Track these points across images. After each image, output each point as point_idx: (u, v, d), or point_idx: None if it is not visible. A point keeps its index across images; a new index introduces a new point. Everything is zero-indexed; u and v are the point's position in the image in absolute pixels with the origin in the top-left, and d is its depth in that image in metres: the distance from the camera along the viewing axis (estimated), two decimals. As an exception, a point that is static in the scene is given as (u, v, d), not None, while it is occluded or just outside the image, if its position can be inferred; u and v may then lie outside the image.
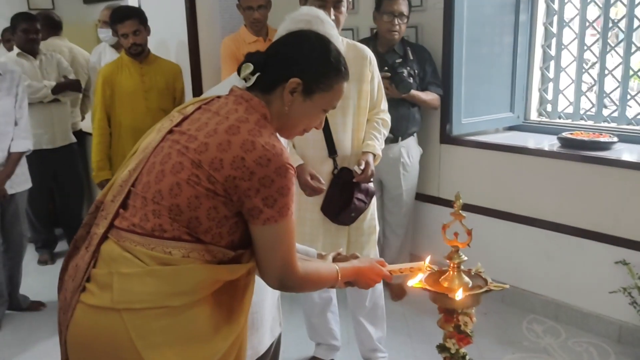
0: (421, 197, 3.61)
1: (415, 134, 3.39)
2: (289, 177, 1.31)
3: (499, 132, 3.60)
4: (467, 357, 1.63)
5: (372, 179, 2.57)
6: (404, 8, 3.15)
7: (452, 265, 1.61)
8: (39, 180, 3.67)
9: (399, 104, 3.17)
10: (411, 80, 3.13)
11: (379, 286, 2.76)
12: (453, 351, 1.61)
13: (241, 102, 1.37)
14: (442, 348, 1.63)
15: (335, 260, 1.69)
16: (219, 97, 1.44)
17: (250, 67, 1.40)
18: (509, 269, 3.33)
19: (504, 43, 3.42)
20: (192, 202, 1.29)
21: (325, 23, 1.79)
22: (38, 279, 3.90)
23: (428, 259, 1.69)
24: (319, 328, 2.85)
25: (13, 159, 3.13)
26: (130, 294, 1.27)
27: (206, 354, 1.33)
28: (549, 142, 3.25)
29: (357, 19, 3.69)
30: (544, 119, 3.60)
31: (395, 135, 3.23)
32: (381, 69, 2.86)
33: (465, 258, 1.61)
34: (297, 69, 1.38)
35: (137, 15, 3.38)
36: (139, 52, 3.41)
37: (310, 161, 2.49)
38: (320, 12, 1.89)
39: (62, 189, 4.28)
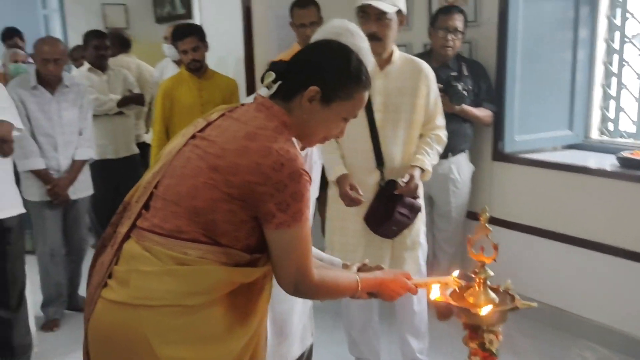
0: (472, 215, 3.52)
1: (466, 151, 3.34)
2: (302, 183, 1.33)
3: (557, 151, 3.48)
4: (493, 377, 1.58)
5: (417, 194, 2.55)
6: (458, 24, 3.13)
7: (478, 280, 1.57)
8: (103, 188, 3.85)
9: (451, 119, 3.10)
10: (465, 94, 3.10)
11: (424, 301, 2.72)
12: (478, 370, 1.56)
13: (262, 110, 1.41)
14: (467, 366, 1.59)
15: (359, 271, 1.69)
16: (243, 104, 1.48)
17: (272, 76, 1.44)
18: (561, 292, 3.20)
19: (562, 59, 3.32)
20: (209, 205, 1.33)
21: (355, 35, 1.80)
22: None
23: (456, 272, 1.66)
24: (360, 343, 2.84)
25: (76, 166, 3.31)
26: (148, 291, 1.32)
27: (219, 353, 1.36)
28: (609, 162, 3.11)
29: (411, 35, 3.69)
30: (605, 137, 3.46)
31: (445, 151, 3.18)
32: None
33: (492, 273, 1.56)
34: (316, 77, 1.40)
35: (197, 33, 3.52)
36: (198, 68, 3.55)
37: (358, 171, 2.51)
38: (351, 25, 1.90)
39: (124, 197, 4.46)
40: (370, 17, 2.39)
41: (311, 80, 1.40)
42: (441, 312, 3.46)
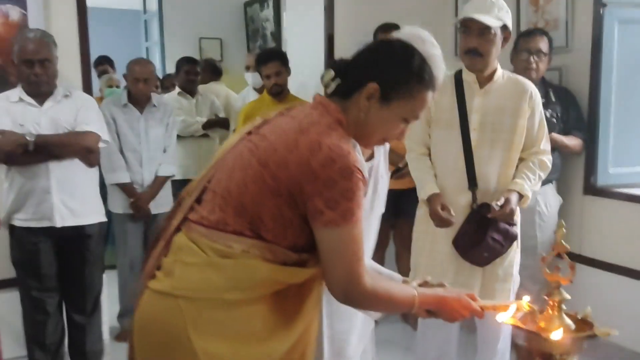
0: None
1: (554, 182, 3.12)
2: (354, 181, 1.26)
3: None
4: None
5: (513, 221, 2.40)
6: (542, 45, 2.98)
7: (551, 303, 1.42)
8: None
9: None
10: (554, 121, 2.92)
11: (509, 340, 2.53)
12: (550, 404, 1.40)
13: (317, 107, 1.37)
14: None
15: (420, 286, 1.58)
16: (302, 104, 1.46)
17: (331, 74, 1.40)
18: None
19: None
20: (256, 200, 1.29)
21: (427, 42, 1.72)
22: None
23: (528, 298, 1.52)
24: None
25: (159, 181, 3.43)
26: (189, 282, 1.29)
27: (258, 354, 1.30)
28: None
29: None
30: None
31: (532, 181, 3.01)
32: None
33: (568, 297, 1.41)
34: (375, 74, 1.35)
35: (280, 58, 3.60)
36: (279, 92, 3.60)
37: (449, 191, 2.41)
38: (423, 32, 1.82)
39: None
40: (473, 32, 2.29)
41: (370, 78, 1.34)
42: (521, 355, 3.22)
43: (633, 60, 3.02)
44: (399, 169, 3.23)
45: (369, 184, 1.79)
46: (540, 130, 2.44)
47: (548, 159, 2.46)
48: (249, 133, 1.42)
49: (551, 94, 3.04)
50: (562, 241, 1.42)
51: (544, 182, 3.04)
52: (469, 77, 2.42)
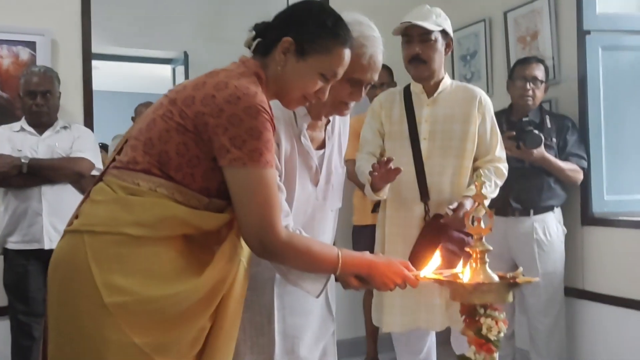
0: (570, 291, 3.08)
1: (555, 210, 2.96)
2: (260, 120, 1.29)
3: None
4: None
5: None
6: (538, 72, 2.95)
7: (474, 255, 1.37)
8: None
9: (531, 172, 2.89)
10: (542, 136, 2.81)
11: None
12: (475, 362, 1.32)
13: (237, 63, 1.43)
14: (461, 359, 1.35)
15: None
16: None
17: (252, 34, 1.47)
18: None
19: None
20: (162, 136, 1.32)
21: (364, 24, 1.77)
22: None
23: (460, 266, 1.47)
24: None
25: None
26: (95, 217, 1.31)
27: (162, 293, 1.27)
28: None
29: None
30: None
31: (526, 207, 2.90)
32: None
33: (490, 248, 1.36)
34: (291, 29, 1.40)
35: None
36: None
37: (400, 204, 2.38)
38: (361, 17, 1.88)
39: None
40: (414, 39, 2.33)
41: (286, 33, 1.40)
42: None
43: (619, 86, 3.01)
44: (379, 203, 3.19)
45: (322, 173, 1.81)
46: (493, 137, 2.41)
47: (504, 166, 2.42)
48: None
49: (547, 121, 2.98)
50: (482, 191, 1.39)
51: (542, 209, 2.93)
52: (416, 88, 2.45)
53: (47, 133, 2.89)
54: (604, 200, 2.99)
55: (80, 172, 2.84)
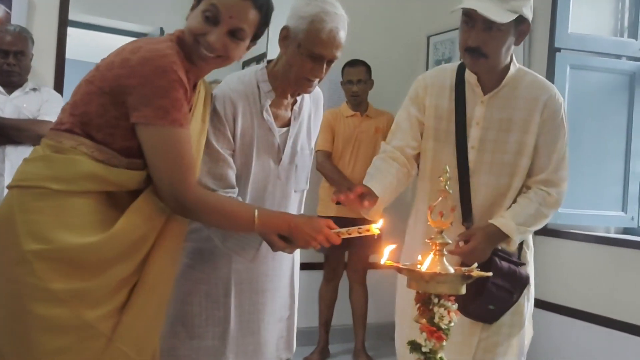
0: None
1: None
2: (168, 80, 1.36)
3: (610, 234, 3.20)
4: (444, 361, 1.36)
5: (525, 260, 1.94)
6: None
7: (433, 247, 1.42)
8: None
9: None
10: None
11: None
12: (425, 349, 1.37)
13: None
14: (413, 345, 1.40)
15: None
16: None
17: None
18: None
19: (615, 137, 3.17)
20: (84, 98, 1.41)
21: (328, 2, 1.68)
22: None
23: (380, 222, 1.50)
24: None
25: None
26: (22, 174, 1.40)
27: (77, 242, 1.34)
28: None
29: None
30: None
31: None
32: None
33: (449, 241, 1.41)
34: None
35: None
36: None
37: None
38: None
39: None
40: (476, 25, 1.76)
41: None
42: None
43: (583, 104, 3.12)
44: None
45: (284, 152, 1.80)
46: (553, 152, 1.89)
47: (557, 191, 1.90)
48: None
49: None
50: (446, 187, 1.44)
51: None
52: (471, 78, 1.91)
53: (15, 93, 2.84)
54: (558, 213, 3.09)
55: (44, 135, 2.79)
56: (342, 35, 1.66)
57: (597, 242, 3.01)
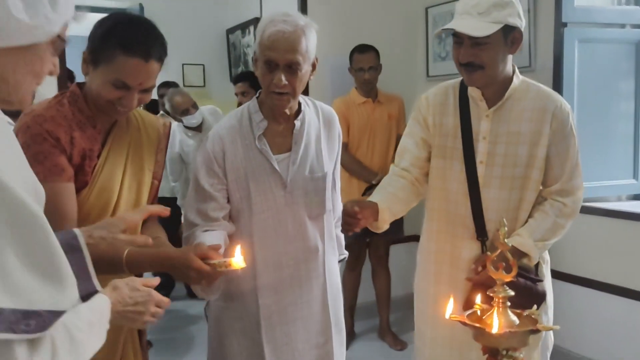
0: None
1: None
2: (42, 145, 1.43)
3: (622, 201, 3.29)
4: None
5: (541, 275, 1.94)
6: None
7: (496, 300, 1.48)
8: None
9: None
10: None
11: None
12: (496, 398, 1.45)
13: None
14: (485, 393, 1.48)
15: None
16: None
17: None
18: (626, 351, 2.93)
19: (624, 106, 3.20)
20: None
21: (275, 13, 1.71)
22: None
23: (238, 249, 1.46)
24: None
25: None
26: None
27: None
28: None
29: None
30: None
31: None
32: None
33: (512, 293, 1.47)
34: (89, 41, 1.49)
35: (249, 79, 3.73)
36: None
37: (452, 242, 1.97)
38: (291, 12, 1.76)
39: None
40: (464, 41, 1.80)
41: (88, 46, 1.50)
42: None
43: (593, 78, 3.13)
44: (372, 186, 3.29)
45: (291, 179, 1.77)
46: (567, 161, 1.89)
47: (572, 200, 1.91)
48: None
49: None
50: (505, 240, 1.48)
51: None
52: (473, 93, 1.92)
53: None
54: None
55: None
56: (294, 39, 1.65)
57: (609, 216, 3.08)
